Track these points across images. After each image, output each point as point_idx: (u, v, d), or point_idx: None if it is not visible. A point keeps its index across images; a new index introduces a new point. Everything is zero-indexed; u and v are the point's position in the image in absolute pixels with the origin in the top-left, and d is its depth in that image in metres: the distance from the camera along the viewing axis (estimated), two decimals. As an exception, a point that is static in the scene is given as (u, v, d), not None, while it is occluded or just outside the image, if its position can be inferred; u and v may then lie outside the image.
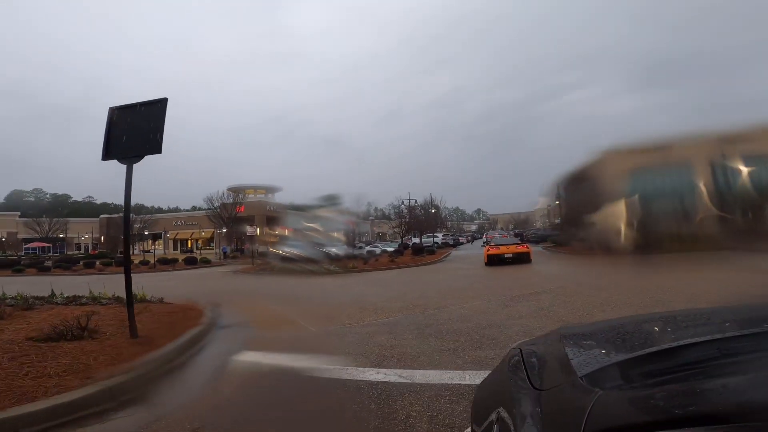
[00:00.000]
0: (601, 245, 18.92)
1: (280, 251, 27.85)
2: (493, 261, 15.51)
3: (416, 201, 38.14)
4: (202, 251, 49.03)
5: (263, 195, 54.89)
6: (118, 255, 39.47)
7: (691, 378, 0.73)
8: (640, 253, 16.60)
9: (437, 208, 52.95)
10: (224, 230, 46.47)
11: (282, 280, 16.42)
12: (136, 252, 55.22)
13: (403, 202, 36.11)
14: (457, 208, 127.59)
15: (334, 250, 31.08)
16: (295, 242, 28.38)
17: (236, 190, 53.72)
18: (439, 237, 36.62)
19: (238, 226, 52.15)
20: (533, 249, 25.84)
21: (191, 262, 29.41)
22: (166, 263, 29.28)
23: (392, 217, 41.62)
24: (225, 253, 35.41)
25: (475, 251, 28.29)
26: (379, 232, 63.83)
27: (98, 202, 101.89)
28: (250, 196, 53.85)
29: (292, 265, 20.08)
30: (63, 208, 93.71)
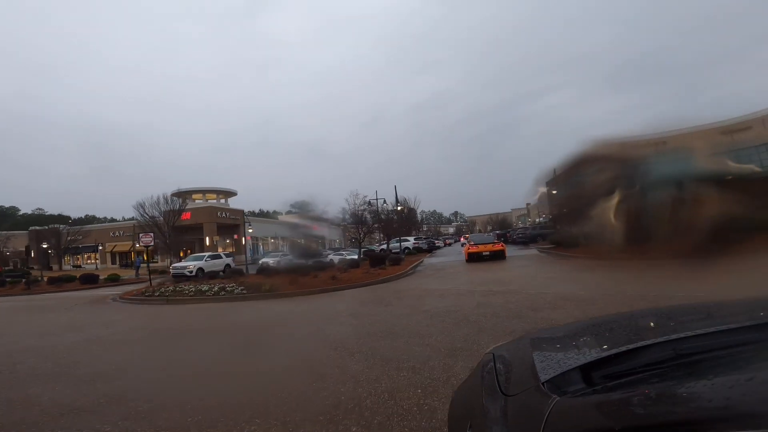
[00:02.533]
0: (633, 244, 12.85)
1: (174, 269, 20.61)
2: (473, 258, 17.29)
3: (385, 201, 31.26)
4: (149, 264, 41.20)
5: (215, 200, 47.26)
6: (28, 272, 31.48)
7: (657, 380, 0.69)
8: (702, 254, 10.57)
9: (409, 208, 46.72)
10: (142, 242, 38.74)
11: (137, 311, 9.66)
12: (65, 267, 46.89)
13: (369, 202, 29.29)
14: (434, 210, 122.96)
15: (272, 261, 24.43)
16: (204, 256, 21.42)
17: (182, 195, 46.01)
18: (410, 241, 29.89)
19: (183, 236, 44.52)
20: (526, 252, 19.91)
21: (89, 281, 21.88)
22: (54, 282, 21.77)
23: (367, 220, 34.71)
24: (138, 267, 27.62)
25: (454, 258, 21.95)
26: (352, 238, 57.49)
27: (48, 213, 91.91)
28: (199, 201, 46.17)
29: (188, 287, 13.13)
30: (8, 221, 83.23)
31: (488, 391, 0.90)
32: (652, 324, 1.14)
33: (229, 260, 22.70)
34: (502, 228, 55.23)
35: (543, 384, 0.76)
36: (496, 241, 18.91)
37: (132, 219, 39.80)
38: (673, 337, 0.83)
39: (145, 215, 35.97)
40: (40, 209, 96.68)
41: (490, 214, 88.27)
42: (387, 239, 26.06)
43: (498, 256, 17.07)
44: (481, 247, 17.45)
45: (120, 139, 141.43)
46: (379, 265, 15.84)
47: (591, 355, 0.86)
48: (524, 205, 67.59)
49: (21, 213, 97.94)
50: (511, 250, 22.38)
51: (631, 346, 0.82)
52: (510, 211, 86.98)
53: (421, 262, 19.90)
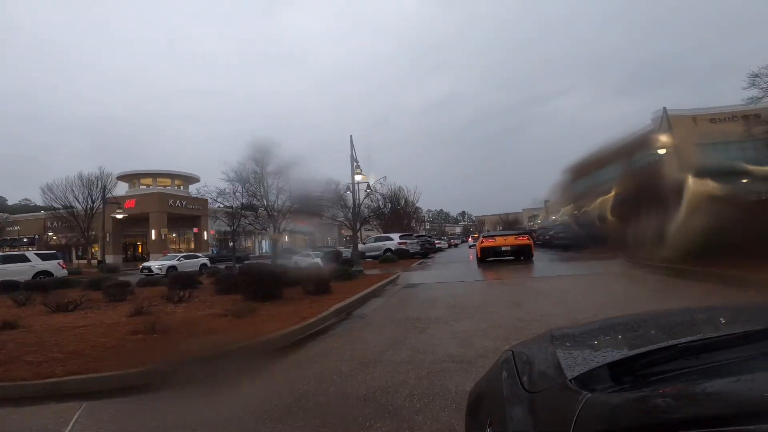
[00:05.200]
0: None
1: None
2: (488, 254, 13.39)
3: (369, 186, 20.67)
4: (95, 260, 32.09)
5: (169, 186, 37.78)
6: None
7: (683, 379, 0.66)
8: None
9: (407, 201, 36.75)
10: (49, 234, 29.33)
11: None
12: None
13: (346, 188, 19.17)
14: (441, 210, 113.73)
15: (156, 265, 14.88)
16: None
17: (129, 179, 36.72)
18: (394, 241, 19.54)
19: (126, 229, 35.19)
20: (603, 268, 10.02)
21: None
22: None
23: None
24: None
25: (458, 271, 12.08)
26: (346, 236, 48.09)
27: (34, 203, 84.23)
28: (149, 186, 36.78)
29: None
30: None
31: (509, 388, 0.86)
32: (680, 323, 1.07)
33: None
34: (515, 228, 44.82)
35: (570, 381, 0.71)
36: (518, 233, 14.72)
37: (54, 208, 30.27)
38: (706, 336, 0.79)
39: (53, 201, 26.63)
40: (27, 200, 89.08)
41: (500, 214, 79.21)
42: (353, 237, 16.04)
43: (523, 252, 13.14)
44: (499, 240, 13.62)
45: (127, 140, 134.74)
46: (268, 299, 5.93)
47: (619, 352, 0.82)
48: (535, 205, 57.88)
49: (9, 204, 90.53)
50: (550, 262, 12.48)
51: (661, 345, 0.77)
52: (521, 211, 77.67)
53: (395, 280, 9.86)
